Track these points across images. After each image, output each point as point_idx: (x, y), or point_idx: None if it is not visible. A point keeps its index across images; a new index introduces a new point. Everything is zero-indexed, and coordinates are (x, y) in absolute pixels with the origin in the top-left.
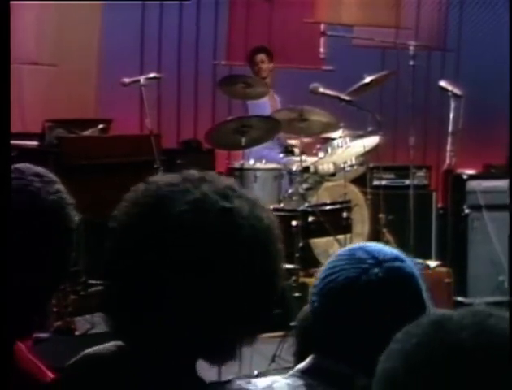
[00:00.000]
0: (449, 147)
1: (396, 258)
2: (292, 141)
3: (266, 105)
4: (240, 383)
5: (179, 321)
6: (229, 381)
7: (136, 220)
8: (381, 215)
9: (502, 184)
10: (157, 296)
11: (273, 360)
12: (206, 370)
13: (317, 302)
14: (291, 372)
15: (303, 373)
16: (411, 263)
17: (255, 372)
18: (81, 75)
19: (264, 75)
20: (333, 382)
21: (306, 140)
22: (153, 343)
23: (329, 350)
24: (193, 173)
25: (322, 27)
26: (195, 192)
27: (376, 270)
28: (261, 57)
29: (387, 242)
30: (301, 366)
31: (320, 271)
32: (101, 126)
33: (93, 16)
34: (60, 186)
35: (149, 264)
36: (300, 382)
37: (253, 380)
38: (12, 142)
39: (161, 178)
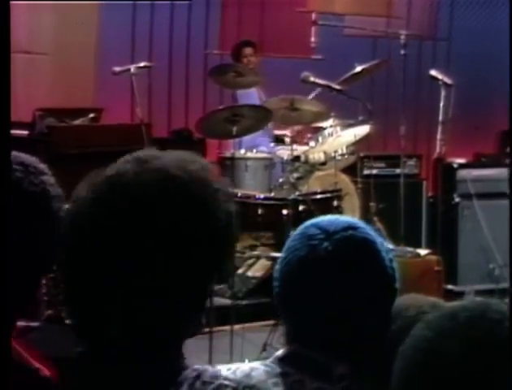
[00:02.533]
0: (439, 136)
1: (348, 227)
2: (284, 131)
3: (254, 95)
4: (221, 368)
5: (147, 303)
6: (209, 368)
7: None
8: (372, 204)
9: (492, 172)
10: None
11: (264, 349)
12: (196, 359)
13: (277, 287)
14: (270, 359)
15: (280, 360)
16: (367, 229)
17: (246, 361)
18: (78, 66)
19: (252, 67)
20: (310, 369)
21: (297, 128)
22: (122, 336)
23: (299, 336)
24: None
25: (313, 16)
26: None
27: (326, 243)
28: (249, 50)
29: (377, 230)
30: (279, 353)
31: None
32: (91, 115)
33: (90, 10)
34: (46, 177)
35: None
36: (278, 370)
37: (233, 367)
38: None
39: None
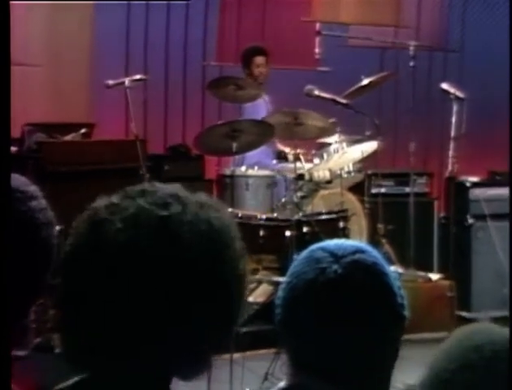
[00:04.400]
0: (451, 153)
1: (356, 251)
2: (287, 147)
3: (261, 107)
4: None
5: (134, 343)
6: None
7: (78, 249)
8: (380, 225)
9: (507, 192)
10: (110, 320)
11: (266, 378)
12: (197, 388)
13: (280, 314)
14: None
15: None
16: (375, 253)
17: None
18: (71, 78)
19: (261, 79)
20: None
21: (301, 144)
22: (114, 370)
23: (304, 366)
24: (134, 188)
25: (317, 26)
26: (131, 208)
27: (335, 267)
28: (261, 60)
29: (386, 253)
30: (281, 384)
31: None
32: (83, 130)
33: (84, 18)
34: (35, 203)
35: (97, 289)
36: None
37: None
38: None
39: (101, 200)
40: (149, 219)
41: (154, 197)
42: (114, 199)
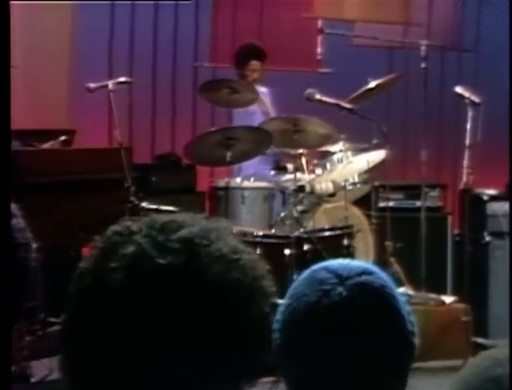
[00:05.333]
0: (466, 163)
1: (363, 272)
2: (286, 158)
3: (255, 113)
4: None
5: None
6: None
7: (79, 290)
8: (388, 243)
9: None
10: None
11: None
12: None
13: (278, 340)
14: None
15: None
16: (383, 275)
17: None
18: (50, 81)
19: (254, 80)
20: None
21: (302, 153)
22: None
23: None
24: (156, 217)
25: (319, 23)
26: (131, 246)
27: (340, 289)
28: (256, 65)
29: (394, 274)
30: None
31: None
32: (63, 138)
33: (63, 18)
34: (14, 221)
35: (96, 333)
36: None
37: None
38: None
39: (115, 227)
40: (146, 266)
41: (158, 229)
42: (123, 228)
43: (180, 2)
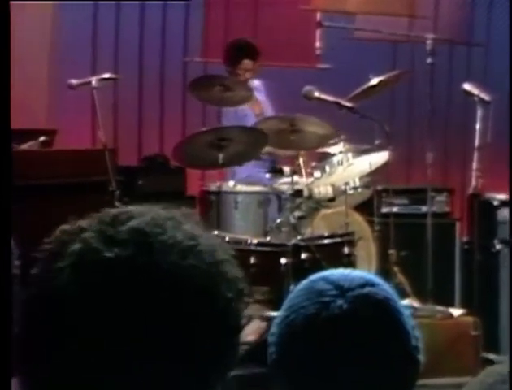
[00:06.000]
0: (475, 165)
1: (365, 283)
2: (282, 160)
3: (247, 115)
4: None
5: None
6: None
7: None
8: (392, 251)
9: None
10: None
11: None
12: None
13: (274, 355)
14: None
15: None
16: (386, 287)
17: None
18: (28, 77)
19: (246, 80)
20: None
21: (299, 155)
22: None
23: None
24: (105, 212)
25: (317, 16)
26: (78, 243)
27: (340, 301)
28: (248, 64)
29: (399, 284)
30: None
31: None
32: (42, 138)
33: (44, 14)
34: None
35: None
36: None
37: None
38: None
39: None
40: (93, 261)
41: (117, 228)
42: (73, 226)
43: None
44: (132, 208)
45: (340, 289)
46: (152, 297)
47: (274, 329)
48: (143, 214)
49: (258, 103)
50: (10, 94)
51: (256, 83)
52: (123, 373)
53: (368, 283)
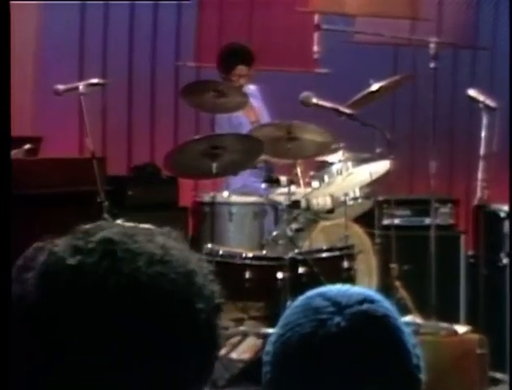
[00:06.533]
0: (480, 175)
1: (364, 300)
2: (278, 169)
3: (241, 123)
4: None
5: None
6: None
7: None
8: (393, 265)
9: None
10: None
11: None
12: None
13: (269, 373)
14: None
15: None
16: (386, 303)
17: None
18: (12, 82)
19: (240, 87)
20: None
21: (296, 165)
22: None
23: None
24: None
25: (315, 18)
26: (45, 253)
27: (338, 318)
28: (243, 70)
29: (401, 300)
30: None
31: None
32: (27, 146)
33: (28, 17)
34: None
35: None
36: None
37: None
38: None
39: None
40: (57, 269)
41: (87, 239)
42: (46, 242)
43: None
44: (106, 223)
45: (338, 306)
46: (113, 304)
47: (269, 347)
48: (116, 226)
49: (253, 110)
50: (9, 96)
51: (251, 88)
52: (86, 381)
53: (367, 300)
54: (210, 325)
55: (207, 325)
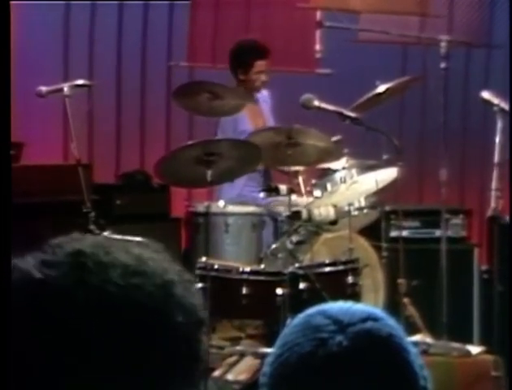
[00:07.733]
0: (494, 184)
1: (367, 318)
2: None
3: (246, 128)
4: None
5: None
6: None
7: None
8: (401, 280)
9: None
10: None
11: None
12: None
13: None
14: None
15: None
16: (391, 322)
17: None
18: None
19: (263, 84)
20: None
21: (297, 173)
22: None
23: None
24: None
25: (318, 15)
26: (18, 266)
27: (340, 337)
28: (263, 65)
29: (409, 318)
30: None
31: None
32: None
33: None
34: None
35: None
36: None
37: None
38: None
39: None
40: (22, 284)
41: (56, 252)
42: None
43: None
44: (87, 235)
45: (340, 324)
46: (81, 317)
47: (266, 368)
48: (90, 238)
49: (262, 118)
50: (10, 97)
51: (264, 93)
52: None
53: (371, 318)
54: (191, 339)
55: (187, 339)
